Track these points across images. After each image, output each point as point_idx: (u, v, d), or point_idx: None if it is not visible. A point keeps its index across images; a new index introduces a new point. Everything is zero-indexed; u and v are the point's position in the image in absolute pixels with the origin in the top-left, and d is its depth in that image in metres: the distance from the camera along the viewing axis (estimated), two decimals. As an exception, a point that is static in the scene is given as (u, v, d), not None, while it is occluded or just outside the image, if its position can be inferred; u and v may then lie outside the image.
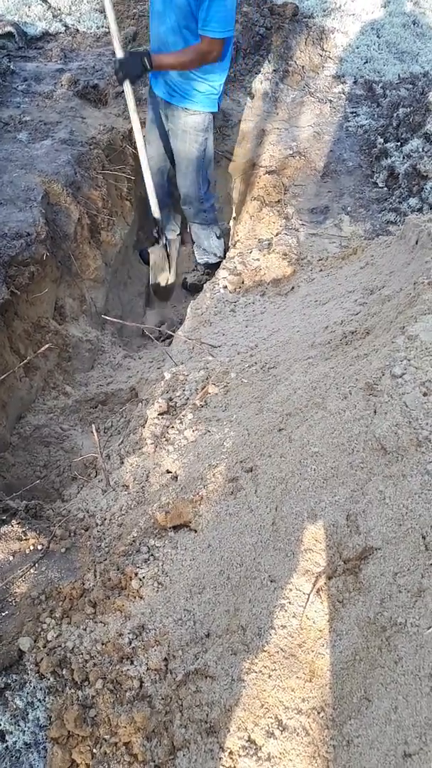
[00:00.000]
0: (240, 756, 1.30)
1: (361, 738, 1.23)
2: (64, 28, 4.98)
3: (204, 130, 3.44)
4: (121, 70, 3.06)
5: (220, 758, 1.31)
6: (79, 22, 5.03)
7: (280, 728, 1.30)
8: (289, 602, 1.43)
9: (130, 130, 3.99)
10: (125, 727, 1.39)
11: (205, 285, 3.35)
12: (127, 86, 3.12)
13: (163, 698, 1.42)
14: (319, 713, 1.29)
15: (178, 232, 4.33)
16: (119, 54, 3.06)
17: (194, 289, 3.98)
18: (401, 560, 1.36)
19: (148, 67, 3.06)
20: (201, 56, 3.08)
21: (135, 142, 3.40)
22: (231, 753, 1.31)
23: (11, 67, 4.32)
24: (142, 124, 3.51)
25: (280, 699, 1.33)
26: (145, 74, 3.15)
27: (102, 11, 5.10)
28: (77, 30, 4.97)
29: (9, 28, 4.59)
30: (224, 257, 3.86)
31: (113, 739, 1.40)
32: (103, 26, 4.97)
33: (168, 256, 3.74)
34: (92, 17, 5.04)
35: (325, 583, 1.42)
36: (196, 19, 3.01)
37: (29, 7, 5.08)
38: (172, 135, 3.51)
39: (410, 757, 1.16)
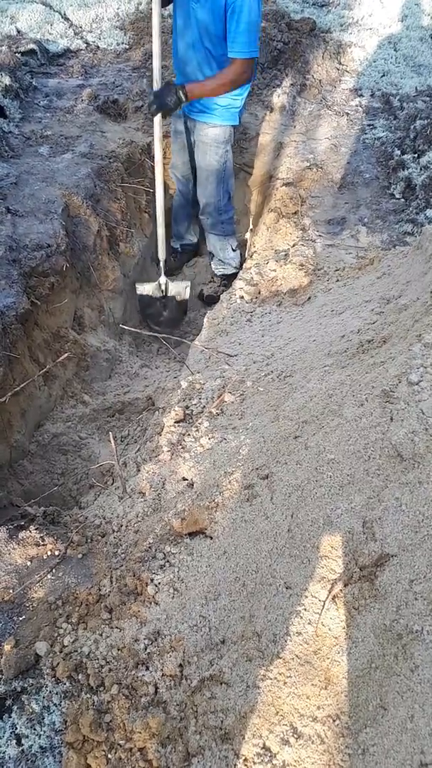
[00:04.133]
0: (255, 763, 1.29)
1: (376, 747, 1.22)
2: (85, 45, 5.08)
3: (224, 143, 3.50)
4: (155, 102, 3.06)
5: (235, 765, 1.30)
6: (100, 39, 5.13)
7: (295, 736, 1.29)
8: (305, 609, 1.43)
9: (149, 144, 4.05)
10: (140, 732, 1.39)
11: (221, 296, 3.37)
12: (157, 119, 3.14)
13: (177, 704, 1.42)
14: (334, 721, 1.28)
15: (195, 241, 4.37)
16: (156, 86, 3.08)
17: (210, 301, 4.01)
18: (417, 567, 1.35)
19: (183, 99, 3.09)
20: (235, 79, 3.13)
21: (154, 167, 3.43)
22: (246, 760, 1.30)
23: (33, 83, 4.41)
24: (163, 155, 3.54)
25: (295, 706, 1.33)
26: (179, 107, 3.15)
27: (122, 28, 5.21)
28: (98, 47, 5.07)
29: (32, 46, 4.70)
30: (240, 269, 3.89)
31: (128, 744, 1.40)
32: (122, 43, 5.06)
33: (163, 291, 3.80)
34: (113, 34, 5.14)
35: (340, 590, 1.42)
36: (218, 36, 3.07)
37: (51, 25, 5.20)
38: (195, 146, 3.57)
39: (426, 767, 1.15)
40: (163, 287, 3.77)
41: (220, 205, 3.74)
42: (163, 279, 3.75)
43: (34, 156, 3.64)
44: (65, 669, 1.54)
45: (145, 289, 3.80)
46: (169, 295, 3.79)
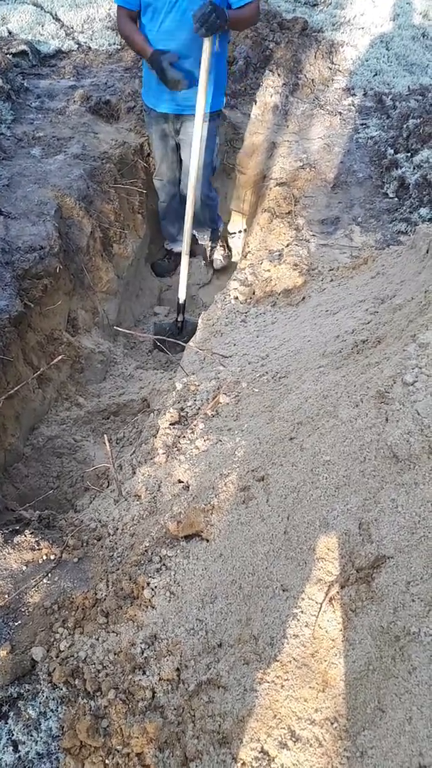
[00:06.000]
0: (253, 767, 1.29)
1: (375, 749, 1.22)
2: (76, 45, 5.06)
3: (216, 134, 3.57)
4: (214, 13, 2.78)
5: (233, 769, 1.30)
6: (92, 39, 5.11)
7: (294, 739, 1.29)
8: (302, 611, 1.42)
9: (142, 145, 4.04)
10: (137, 737, 1.39)
11: (216, 296, 3.37)
12: (207, 42, 2.90)
13: (175, 709, 1.41)
14: (332, 724, 1.28)
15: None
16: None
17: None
18: (414, 569, 1.35)
19: (227, 18, 2.93)
20: (258, 14, 3.23)
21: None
22: (244, 764, 1.30)
23: (25, 84, 4.39)
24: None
25: (293, 709, 1.32)
26: (222, 29, 2.94)
27: (114, 29, 5.19)
28: (89, 47, 5.05)
29: (23, 47, 4.68)
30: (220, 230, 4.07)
31: (125, 749, 1.39)
32: (114, 43, 5.04)
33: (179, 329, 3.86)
34: (104, 35, 5.12)
35: (337, 592, 1.41)
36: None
37: (42, 26, 5.18)
38: (184, 145, 3.56)
39: (425, 769, 1.15)
40: (179, 325, 3.83)
41: (207, 191, 3.85)
42: (180, 317, 3.80)
43: (26, 157, 3.62)
44: (62, 674, 1.53)
45: (163, 327, 3.89)
46: (183, 331, 3.83)
